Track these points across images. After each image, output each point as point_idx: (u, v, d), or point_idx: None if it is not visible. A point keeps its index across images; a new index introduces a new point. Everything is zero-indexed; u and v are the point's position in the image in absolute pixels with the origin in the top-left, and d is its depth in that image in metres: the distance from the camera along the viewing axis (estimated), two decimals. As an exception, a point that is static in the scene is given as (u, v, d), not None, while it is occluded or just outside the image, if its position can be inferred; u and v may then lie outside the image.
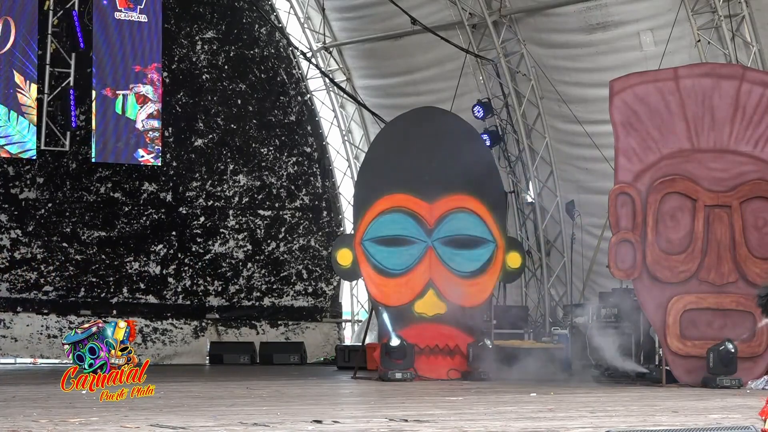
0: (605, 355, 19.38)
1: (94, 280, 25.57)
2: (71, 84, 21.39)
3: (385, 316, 19.45)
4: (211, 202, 26.50)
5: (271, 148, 26.97)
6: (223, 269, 26.44)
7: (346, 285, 27.19)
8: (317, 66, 26.27)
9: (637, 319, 19.12)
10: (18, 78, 20.53)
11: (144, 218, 26.03)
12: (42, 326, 25.15)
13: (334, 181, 27.47)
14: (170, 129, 25.73)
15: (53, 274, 25.36)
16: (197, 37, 26.40)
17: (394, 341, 19.10)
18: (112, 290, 25.66)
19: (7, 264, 25.10)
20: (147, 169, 25.09)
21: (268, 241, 26.82)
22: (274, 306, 26.74)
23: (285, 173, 27.00)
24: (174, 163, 26.12)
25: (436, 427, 10.92)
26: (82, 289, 25.48)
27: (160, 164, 23.29)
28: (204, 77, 26.48)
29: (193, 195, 26.37)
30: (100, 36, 21.21)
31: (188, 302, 26.18)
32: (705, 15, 20.25)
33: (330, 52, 26.20)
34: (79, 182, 25.57)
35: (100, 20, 21.19)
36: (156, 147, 21.85)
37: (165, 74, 24.62)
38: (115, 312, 25.14)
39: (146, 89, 21.60)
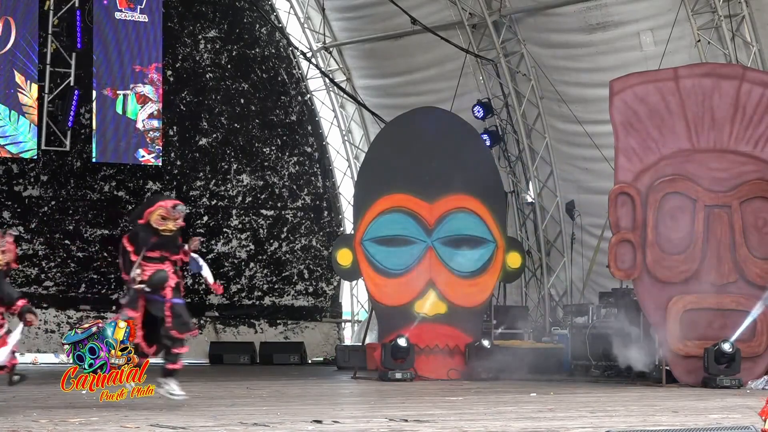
0: (605, 352, 19.39)
1: (95, 276, 25.58)
2: (72, 84, 21.41)
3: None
4: (215, 201, 26.51)
5: (273, 148, 26.98)
6: (225, 269, 26.44)
7: (346, 285, 27.19)
8: (317, 66, 26.26)
9: (637, 319, 19.11)
10: (18, 78, 20.55)
11: (147, 217, 26.00)
12: (40, 320, 25.11)
13: (334, 181, 27.48)
14: (174, 128, 25.73)
15: (54, 270, 25.37)
16: (200, 36, 26.40)
17: (402, 341, 19.10)
18: (112, 287, 25.66)
19: (8, 260, 25.09)
20: (151, 168, 25.06)
21: (271, 240, 26.84)
22: (274, 305, 26.74)
23: (287, 173, 27.01)
24: (178, 162, 26.14)
25: (436, 427, 10.93)
26: (83, 285, 25.49)
27: (160, 164, 23.31)
28: (207, 76, 26.49)
29: (196, 194, 26.37)
30: (100, 36, 21.22)
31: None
32: (705, 15, 20.25)
33: (330, 52, 26.19)
34: (82, 180, 25.58)
35: (100, 20, 21.20)
36: (157, 147, 21.88)
37: (169, 73, 24.68)
38: (114, 308, 25.14)
39: (147, 89, 21.62)
